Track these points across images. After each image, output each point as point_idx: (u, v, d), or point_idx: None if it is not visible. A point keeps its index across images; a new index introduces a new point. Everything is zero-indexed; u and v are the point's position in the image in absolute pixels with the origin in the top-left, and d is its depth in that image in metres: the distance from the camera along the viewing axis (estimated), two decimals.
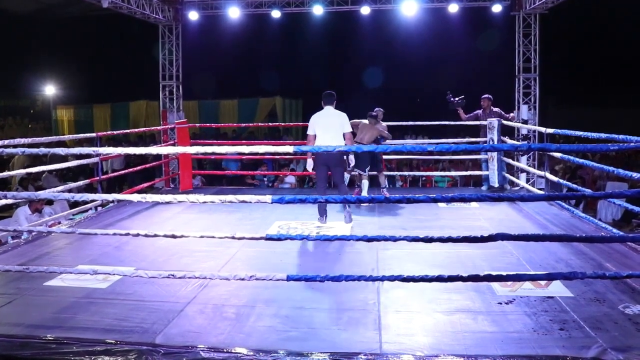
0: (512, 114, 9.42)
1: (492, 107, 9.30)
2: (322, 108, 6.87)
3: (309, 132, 6.77)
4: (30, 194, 5.61)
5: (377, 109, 8.29)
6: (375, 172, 8.31)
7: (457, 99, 9.28)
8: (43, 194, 5.94)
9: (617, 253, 5.25)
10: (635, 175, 4.48)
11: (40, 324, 3.78)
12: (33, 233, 6.08)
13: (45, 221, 7.07)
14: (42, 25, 18.89)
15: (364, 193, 7.97)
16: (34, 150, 4.40)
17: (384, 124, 8.40)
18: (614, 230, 6.26)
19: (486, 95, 9.37)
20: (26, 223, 7.13)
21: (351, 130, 6.80)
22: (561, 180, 7.75)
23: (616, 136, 4.38)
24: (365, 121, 8.11)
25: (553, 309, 3.94)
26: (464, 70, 18.32)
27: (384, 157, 9.23)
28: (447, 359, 3.31)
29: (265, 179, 11.89)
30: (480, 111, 9.34)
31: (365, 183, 8.02)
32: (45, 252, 5.58)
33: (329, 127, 6.67)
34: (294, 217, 7.01)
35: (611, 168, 5.37)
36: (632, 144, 4.17)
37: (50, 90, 22.54)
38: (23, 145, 5.02)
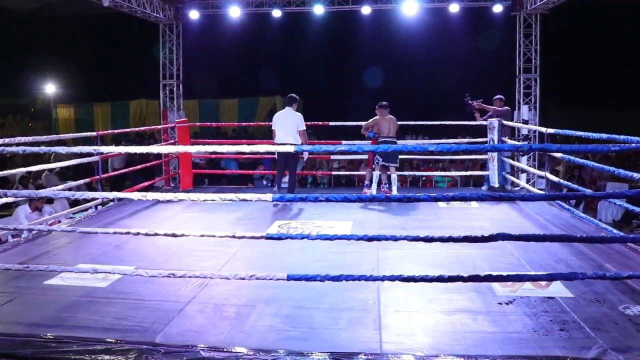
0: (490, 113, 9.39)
1: (503, 107, 9.36)
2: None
3: (273, 127, 8.03)
4: (31, 192, 5.60)
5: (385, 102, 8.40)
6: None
7: (475, 102, 9.28)
8: (43, 192, 5.93)
9: (617, 254, 5.24)
10: (635, 175, 4.48)
11: (41, 323, 3.78)
12: (33, 232, 6.08)
13: (45, 220, 7.06)
14: (43, 24, 18.87)
15: (395, 187, 8.31)
16: (35, 149, 4.39)
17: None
18: (614, 231, 6.26)
19: (498, 96, 9.41)
20: (26, 221, 7.13)
21: (305, 128, 7.92)
22: (561, 181, 7.74)
23: (617, 137, 4.38)
24: (379, 117, 8.28)
25: (553, 309, 3.94)
26: (464, 70, 18.32)
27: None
28: (447, 359, 3.30)
29: (264, 179, 11.88)
30: (493, 112, 9.36)
31: (394, 177, 8.38)
32: (46, 251, 5.58)
33: (285, 125, 7.87)
34: (294, 216, 7.01)
35: (612, 168, 5.37)
36: (633, 145, 4.17)
37: (50, 88, 22.54)
38: (24, 144, 5.01)
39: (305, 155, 8.23)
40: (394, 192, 8.22)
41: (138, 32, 15.23)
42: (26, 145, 4.81)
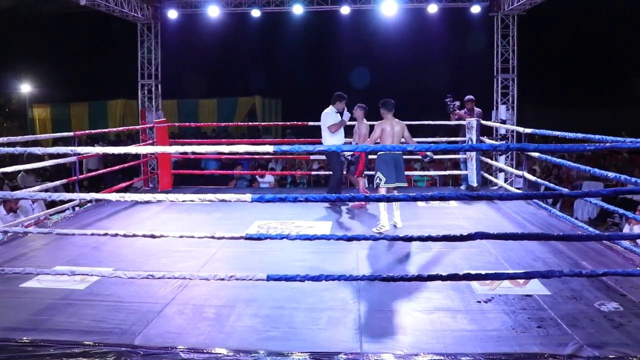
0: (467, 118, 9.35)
1: (474, 108, 9.48)
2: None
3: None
4: (6, 193, 5.52)
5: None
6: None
7: (455, 103, 9.32)
8: (19, 193, 5.84)
9: (593, 251, 5.33)
10: (610, 174, 4.56)
11: (16, 327, 3.72)
12: (8, 234, 5.98)
13: (21, 221, 6.96)
14: (18, 22, 18.58)
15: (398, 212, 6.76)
16: (10, 150, 4.33)
17: (367, 123, 7.75)
18: (590, 229, 6.35)
19: (470, 97, 9.52)
20: (1, 223, 7.02)
21: (331, 123, 7.78)
22: (539, 180, 7.84)
23: (592, 136, 4.44)
24: (383, 121, 7.01)
25: (531, 307, 3.99)
26: (443, 70, 18.42)
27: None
28: (426, 357, 3.33)
29: (236, 180, 11.82)
30: (464, 111, 9.47)
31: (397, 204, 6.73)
32: (21, 253, 5.49)
33: (322, 125, 8.05)
34: (273, 216, 6.99)
35: (587, 167, 5.45)
36: (607, 144, 4.24)
37: (26, 88, 22.18)
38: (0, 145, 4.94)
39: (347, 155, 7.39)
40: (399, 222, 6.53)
41: (116, 31, 15.07)
42: (1, 146, 4.74)
